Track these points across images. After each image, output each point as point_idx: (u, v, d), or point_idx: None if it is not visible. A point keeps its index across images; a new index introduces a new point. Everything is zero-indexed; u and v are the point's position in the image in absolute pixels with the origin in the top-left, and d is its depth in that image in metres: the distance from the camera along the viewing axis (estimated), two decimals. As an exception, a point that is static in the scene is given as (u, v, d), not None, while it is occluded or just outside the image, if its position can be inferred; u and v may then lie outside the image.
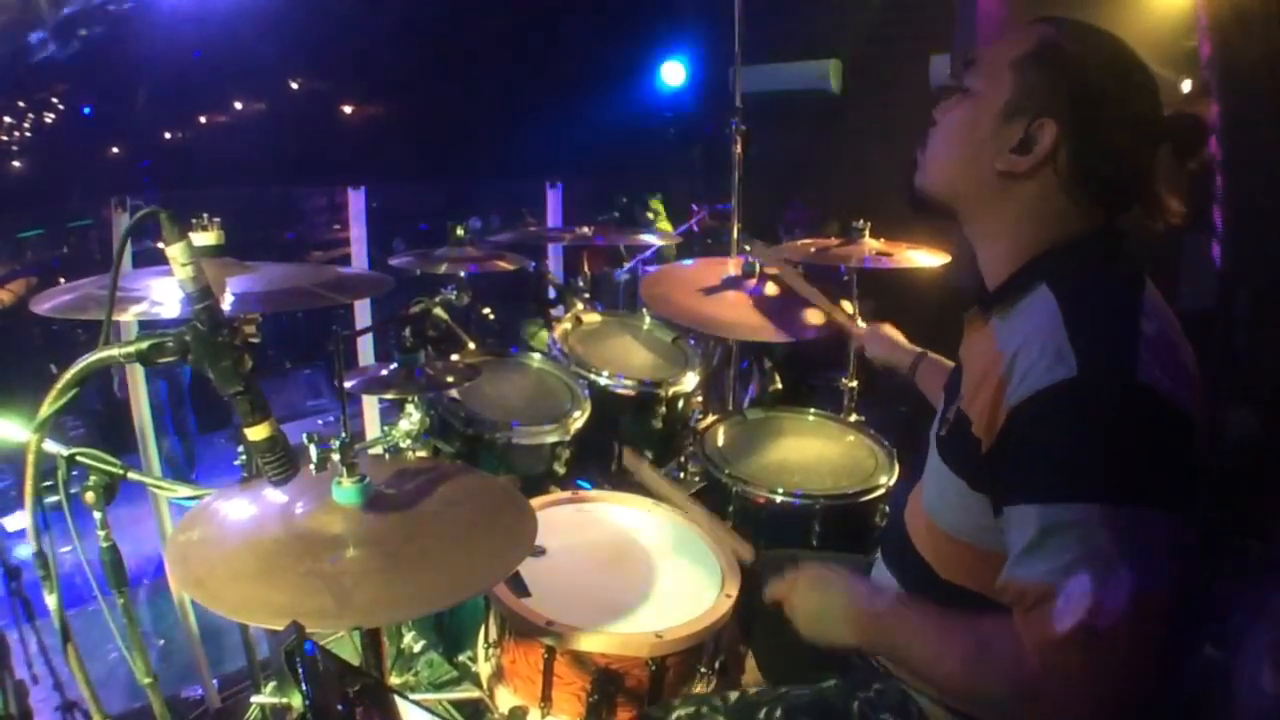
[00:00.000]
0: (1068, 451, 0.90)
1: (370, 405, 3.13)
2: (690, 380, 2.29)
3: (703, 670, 1.45)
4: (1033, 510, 0.90)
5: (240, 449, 1.70)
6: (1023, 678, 0.90)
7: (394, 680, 1.94)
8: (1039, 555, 0.90)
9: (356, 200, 3.03)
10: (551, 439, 2.04)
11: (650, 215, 4.61)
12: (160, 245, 0.97)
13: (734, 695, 1.25)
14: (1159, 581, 0.86)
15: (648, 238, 3.17)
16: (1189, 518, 0.90)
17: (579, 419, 2.10)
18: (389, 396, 2.14)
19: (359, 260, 3.07)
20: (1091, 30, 1.05)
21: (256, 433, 1.03)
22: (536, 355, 2.36)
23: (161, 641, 2.71)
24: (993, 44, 1.10)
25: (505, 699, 1.45)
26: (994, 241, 1.11)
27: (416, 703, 0.99)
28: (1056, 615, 0.87)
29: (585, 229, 2.69)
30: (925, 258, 2.26)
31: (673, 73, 6.63)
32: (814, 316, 2.18)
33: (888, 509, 1.95)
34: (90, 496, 1.09)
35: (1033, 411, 0.92)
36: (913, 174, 1.18)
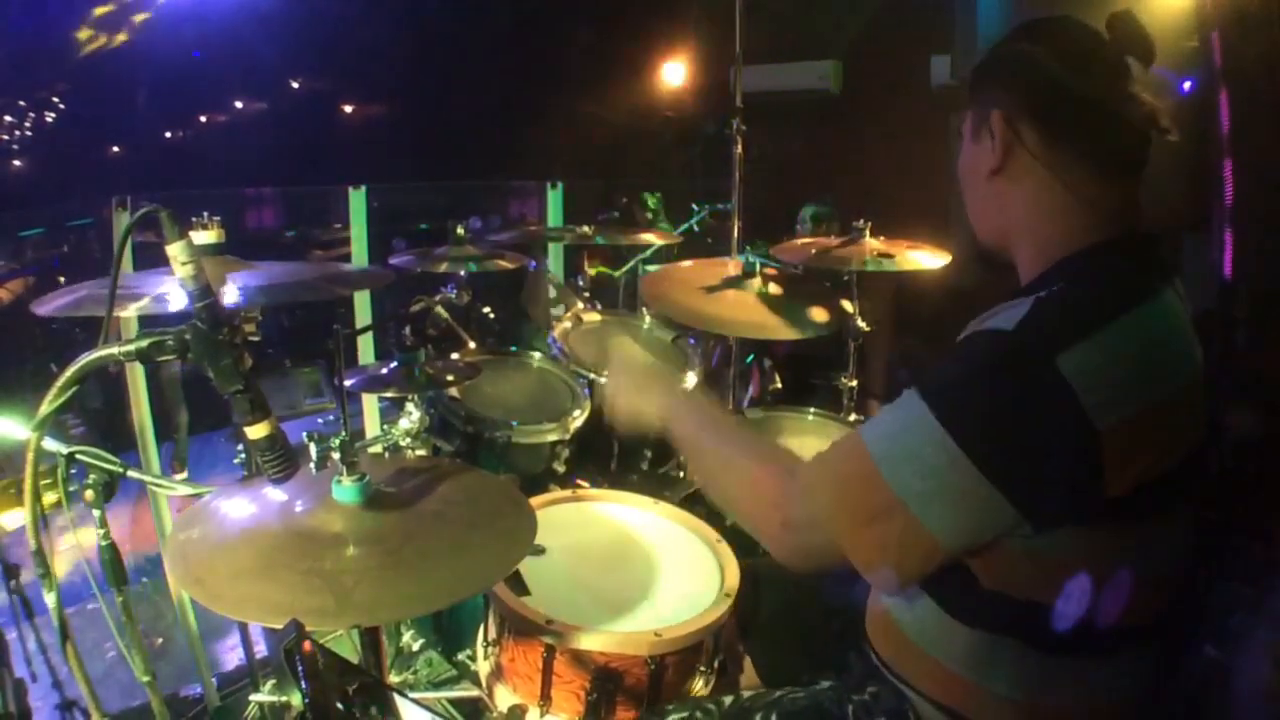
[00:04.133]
0: (962, 378, 0.97)
1: (370, 404, 3.14)
2: (690, 380, 2.29)
3: (702, 669, 1.45)
4: (911, 394, 0.98)
5: (240, 447, 1.70)
6: (773, 514, 1.08)
7: (393, 679, 1.94)
8: (874, 420, 1.05)
9: (357, 200, 3.04)
10: (551, 438, 2.04)
11: (649, 215, 4.57)
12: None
13: (728, 700, 1.25)
14: (936, 518, 0.93)
15: (648, 238, 3.18)
16: (1036, 515, 0.92)
17: (579, 418, 2.10)
18: (389, 395, 2.15)
19: (360, 259, 3.09)
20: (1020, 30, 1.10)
21: (256, 431, 1.04)
22: (536, 354, 2.36)
23: (159, 640, 2.71)
24: None
25: (504, 697, 1.45)
26: (1020, 251, 1.12)
27: (415, 701, 0.99)
28: (829, 460, 1.05)
29: (585, 229, 2.69)
30: (926, 258, 2.25)
31: (673, 73, 6.63)
32: (816, 314, 2.18)
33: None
34: (89, 494, 1.09)
35: (962, 341, 1.02)
36: (977, 243, 1.22)
